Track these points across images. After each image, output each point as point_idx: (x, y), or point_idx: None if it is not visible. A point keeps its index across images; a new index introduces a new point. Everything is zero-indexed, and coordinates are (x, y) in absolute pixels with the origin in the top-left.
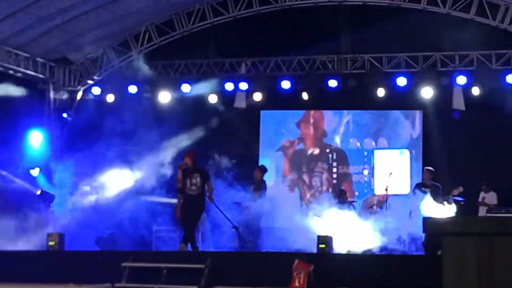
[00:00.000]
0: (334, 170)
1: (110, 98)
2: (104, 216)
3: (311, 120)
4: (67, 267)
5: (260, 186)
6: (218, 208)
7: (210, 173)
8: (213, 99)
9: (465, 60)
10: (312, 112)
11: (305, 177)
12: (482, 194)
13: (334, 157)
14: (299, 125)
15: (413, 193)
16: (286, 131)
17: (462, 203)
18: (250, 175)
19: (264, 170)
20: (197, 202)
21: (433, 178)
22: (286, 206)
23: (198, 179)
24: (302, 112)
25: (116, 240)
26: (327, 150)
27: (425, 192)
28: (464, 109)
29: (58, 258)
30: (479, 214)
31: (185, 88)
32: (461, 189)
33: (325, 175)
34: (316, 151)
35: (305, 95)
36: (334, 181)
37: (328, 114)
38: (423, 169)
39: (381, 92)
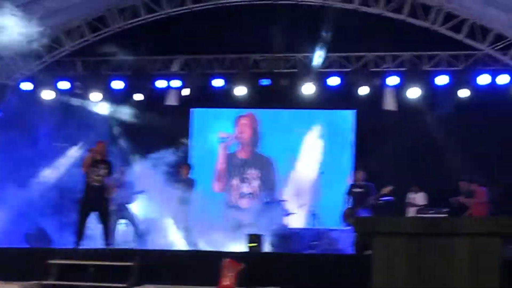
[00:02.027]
0: (261, 176)
1: (41, 93)
2: (32, 213)
3: (246, 123)
4: None
5: (188, 183)
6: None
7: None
8: (142, 96)
9: (397, 60)
10: (246, 115)
11: (234, 181)
12: (411, 195)
13: (264, 163)
14: (236, 123)
15: (346, 194)
16: (219, 130)
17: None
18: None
19: (190, 167)
20: (99, 194)
21: (366, 178)
22: (214, 205)
23: (104, 171)
24: (236, 112)
25: (45, 237)
26: (258, 156)
27: (358, 192)
28: (396, 109)
29: None
30: (409, 215)
31: (117, 85)
32: (390, 188)
33: (255, 182)
34: (248, 155)
35: (237, 92)
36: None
37: (262, 117)
38: (355, 170)
39: (313, 91)
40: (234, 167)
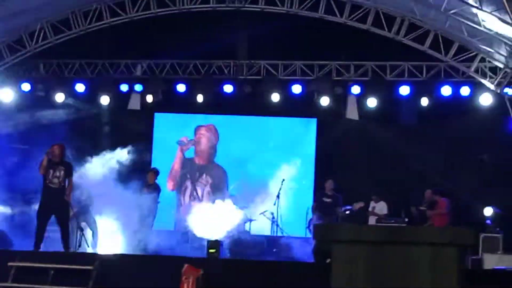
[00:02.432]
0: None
1: (3, 95)
2: None
3: (204, 134)
4: None
5: (154, 189)
6: (71, 208)
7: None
8: (106, 100)
9: (360, 70)
10: (206, 125)
11: (188, 183)
12: (372, 204)
13: (217, 172)
14: (195, 132)
15: (313, 202)
16: (181, 135)
17: (348, 212)
18: (142, 177)
19: (157, 173)
20: (57, 197)
21: (334, 189)
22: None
23: (62, 173)
24: (198, 118)
25: (5, 239)
26: (213, 165)
27: (326, 202)
28: (357, 118)
29: None
30: (369, 224)
31: (79, 88)
32: (361, 204)
33: (207, 188)
34: (204, 162)
35: (199, 98)
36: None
37: (221, 126)
38: (318, 178)
39: (276, 99)
40: (189, 171)
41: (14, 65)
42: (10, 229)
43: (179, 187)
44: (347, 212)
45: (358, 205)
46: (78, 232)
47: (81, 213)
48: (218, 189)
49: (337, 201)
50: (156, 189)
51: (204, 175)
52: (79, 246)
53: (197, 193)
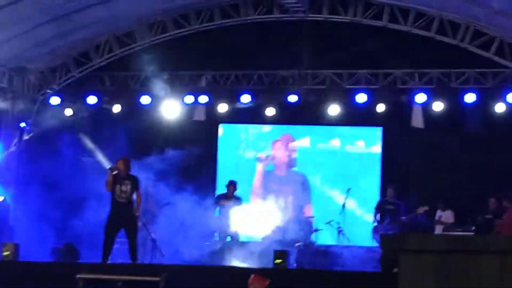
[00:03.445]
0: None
1: (69, 108)
2: (60, 226)
3: (281, 147)
4: (22, 278)
5: (236, 200)
6: (140, 220)
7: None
8: (172, 111)
9: (424, 78)
10: (281, 138)
11: (270, 196)
12: (439, 213)
13: (298, 181)
14: (272, 147)
15: (375, 209)
16: (246, 145)
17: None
18: (207, 188)
19: (235, 185)
20: (126, 211)
21: (396, 196)
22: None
23: (129, 187)
24: (262, 128)
25: (72, 251)
26: (293, 174)
27: (390, 210)
28: (423, 127)
29: (13, 269)
30: (436, 232)
31: (145, 100)
32: (425, 208)
33: (289, 198)
34: (284, 173)
35: (264, 108)
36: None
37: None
38: (384, 187)
39: (340, 108)
40: (270, 184)
41: (80, 78)
42: (78, 241)
43: (263, 201)
44: (410, 218)
45: (422, 209)
46: (151, 244)
47: (148, 224)
48: (300, 196)
49: (399, 208)
50: (238, 200)
51: (285, 186)
52: (154, 257)
53: (280, 205)
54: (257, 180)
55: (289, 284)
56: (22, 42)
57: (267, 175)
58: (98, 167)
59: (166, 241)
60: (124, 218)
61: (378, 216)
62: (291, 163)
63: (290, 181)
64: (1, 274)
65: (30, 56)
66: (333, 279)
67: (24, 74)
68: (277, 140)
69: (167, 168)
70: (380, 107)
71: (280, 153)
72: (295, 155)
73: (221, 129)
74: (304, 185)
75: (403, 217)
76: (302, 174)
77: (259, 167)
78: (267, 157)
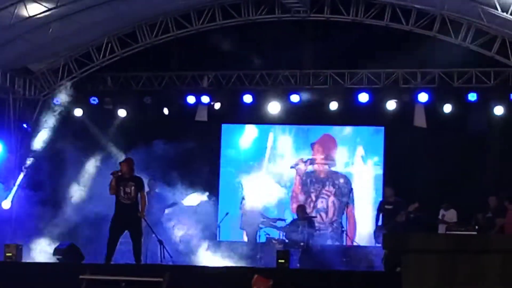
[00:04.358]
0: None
1: (71, 108)
2: (64, 228)
3: (319, 145)
4: (24, 279)
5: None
6: (145, 221)
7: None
8: (174, 111)
9: (427, 77)
10: (319, 140)
11: (312, 198)
12: (442, 212)
13: (340, 181)
14: (312, 149)
15: (377, 211)
16: (249, 145)
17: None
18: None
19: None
20: (130, 212)
21: (395, 194)
22: None
23: (133, 188)
24: (265, 128)
25: (75, 252)
26: (334, 174)
27: (388, 209)
28: (425, 126)
29: (15, 270)
30: (439, 232)
31: (147, 100)
32: (416, 205)
33: (331, 198)
34: (325, 175)
35: (266, 108)
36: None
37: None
38: (385, 187)
39: (342, 108)
40: (311, 186)
41: (82, 79)
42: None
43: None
44: (404, 216)
45: (413, 207)
46: (158, 245)
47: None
48: (342, 196)
49: (399, 206)
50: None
51: (326, 187)
52: (163, 258)
53: (321, 206)
54: (296, 187)
55: (292, 284)
56: (24, 44)
57: (307, 177)
58: (100, 169)
59: (170, 241)
60: (128, 219)
61: (380, 216)
62: (330, 163)
63: (331, 181)
64: (4, 275)
65: (32, 57)
66: (336, 278)
67: (26, 76)
68: (315, 142)
69: (167, 168)
70: (382, 107)
71: (318, 155)
72: (335, 154)
73: (223, 129)
74: (347, 186)
75: (397, 219)
76: (344, 175)
77: (300, 171)
78: (305, 162)
